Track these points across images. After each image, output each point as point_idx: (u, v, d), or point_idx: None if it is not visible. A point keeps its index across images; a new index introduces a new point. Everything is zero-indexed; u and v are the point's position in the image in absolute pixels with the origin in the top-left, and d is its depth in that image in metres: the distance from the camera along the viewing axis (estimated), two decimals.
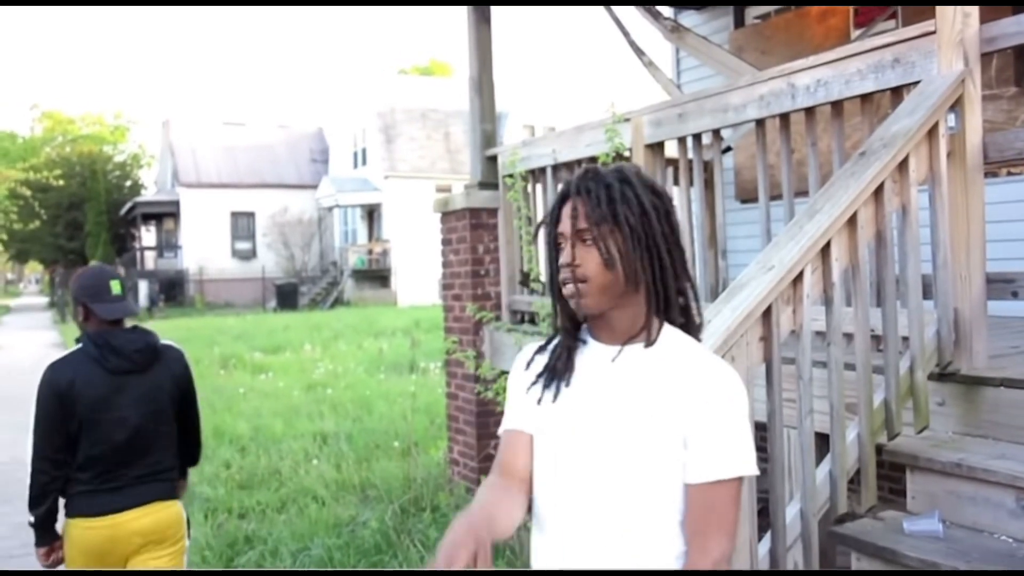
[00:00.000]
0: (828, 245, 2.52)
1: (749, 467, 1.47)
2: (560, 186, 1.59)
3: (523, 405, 1.64)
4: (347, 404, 9.28)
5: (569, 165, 4.82)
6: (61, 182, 21.47)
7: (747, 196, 6.20)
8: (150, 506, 2.90)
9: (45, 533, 2.91)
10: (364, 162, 31.97)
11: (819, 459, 2.60)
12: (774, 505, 2.45)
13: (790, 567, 2.47)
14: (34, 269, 65.00)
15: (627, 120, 4.20)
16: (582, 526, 1.51)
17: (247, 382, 11.18)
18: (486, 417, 5.30)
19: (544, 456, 1.58)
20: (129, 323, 3.00)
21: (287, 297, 28.60)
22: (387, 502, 5.18)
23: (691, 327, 1.59)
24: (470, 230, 5.43)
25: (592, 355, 1.58)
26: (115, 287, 2.95)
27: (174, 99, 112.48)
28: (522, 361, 1.70)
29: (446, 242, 5.74)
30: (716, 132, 3.87)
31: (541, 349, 1.67)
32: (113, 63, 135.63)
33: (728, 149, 5.96)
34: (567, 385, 1.58)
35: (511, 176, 4.80)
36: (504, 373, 4.53)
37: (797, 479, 2.56)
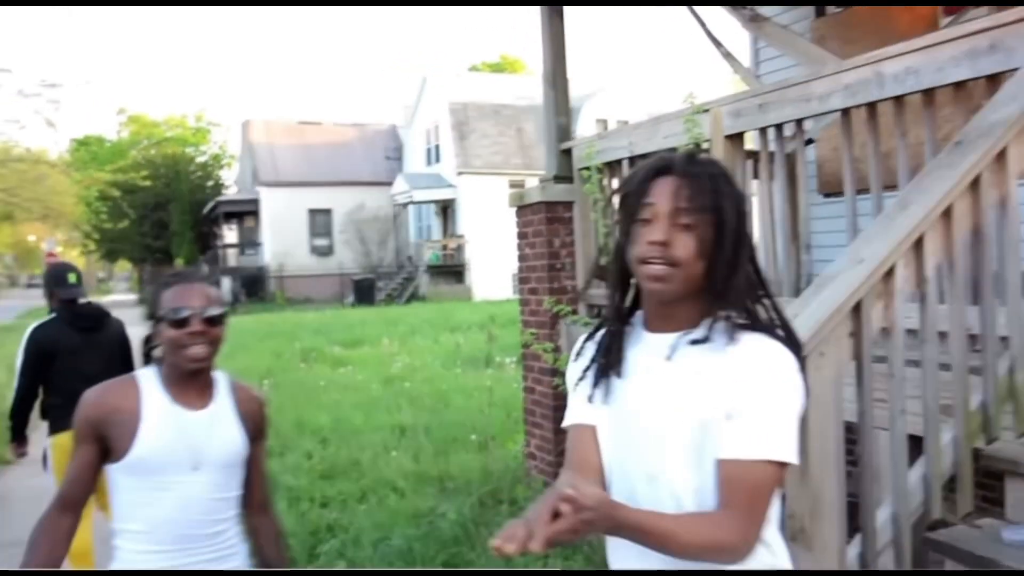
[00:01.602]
0: (921, 239, 2.43)
1: (783, 453, 1.42)
2: (650, 162, 1.55)
3: (580, 398, 1.62)
4: (424, 397, 9.39)
5: (646, 157, 4.76)
6: (147, 183, 22.20)
7: (830, 190, 6.03)
8: None
9: (19, 435, 4.63)
10: (438, 159, 32.24)
11: (911, 462, 2.52)
12: (864, 508, 2.38)
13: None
14: (123, 268, 67.54)
15: (706, 111, 4.13)
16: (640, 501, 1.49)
17: (327, 375, 11.41)
18: (563, 411, 5.27)
19: (607, 449, 1.58)
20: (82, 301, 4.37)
21: (364, 292, 29.05)
22: (465, 494, 5.22)
23: (758, 327, 1.52)
24: (546, 224, 5.42)
25: (647, 345, 1.55)
26: (71, 278, 4.39)
27: (253, 100, 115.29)
28: (574, 352, 1.69)
29: (522, 236, 5.75)
30: (799, 123, 3.77)
31: (589, 337, 1.65)
32: (194, 66, 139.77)
33: (810, 141, 5.81)
34: (620, 376, 1.56)
35: (587, 169, 4.77)
36: None
37: (888, 482, 2.48)
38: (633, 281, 1.57)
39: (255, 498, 2.24)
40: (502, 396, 8.31)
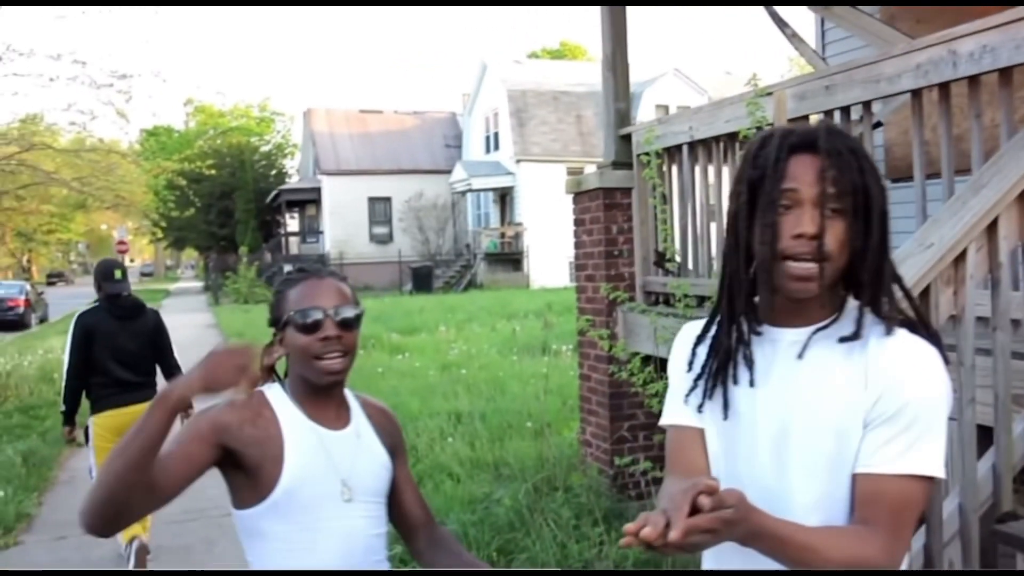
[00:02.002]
0: (995, 222, 2.34)
1: (934, 467, 1.28)
2: (780, 135, 1.35)
3: (690, 399, 1.46)
4: (481, 384, 9.42)
5: (706, 142, 4.69)
6: (213, 172, 22.69)
7: (898, 175, 5.84)
8: (146, 403, 3.95)
9: (70, 419, 4.80)
10: (496, 146, 32.27)
11: (980, 453, 2.43)
12: (930, 499, 2.30)
13: (946, 565, 2.32)
14: (190, 256, 69.25)
15: (769, 94, 4.04)
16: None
17: (385, 362, 11.53)
18: (619, 399, 5.25)
19: (715, 456, 1.43)
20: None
21: (422, 280, 29.29)
22: (520, 481, 5.22)
23: (887, 316, 1.36)
24: (603, 210, 5.37)
25: (772, 343, 1.38)
26: (117, 274, 4.92)
27: (315, 89, 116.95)
28: (684, 348, 1.52)
29: (579, 223, 5.71)
30: (867, 105, 3.66)
31: (700, 338, 1.48)
32: (258, 57, 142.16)
33: (878, 124, 5.64)
34: (751, 385, 1.39)
35: (647, 155, 4.71)
36: (637, 354, 4.47)
37: (955, 473, 2.40)
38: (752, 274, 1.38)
39: (419, 517, 1.91)
40: (558, 383, 8.30)
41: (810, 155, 1.30)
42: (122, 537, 4.78)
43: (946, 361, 1.33)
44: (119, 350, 4.75)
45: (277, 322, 1.77)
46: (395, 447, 1.88)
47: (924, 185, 3.38)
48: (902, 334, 1.33)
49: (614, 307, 5.23)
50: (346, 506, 1.72)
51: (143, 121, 54.07)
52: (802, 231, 1.27)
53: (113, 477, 1.51)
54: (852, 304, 1.36)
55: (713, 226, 4.78)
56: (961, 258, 2.30)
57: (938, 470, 1.29)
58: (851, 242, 1.30)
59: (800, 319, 1.36)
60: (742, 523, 1.12)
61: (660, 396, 4.07)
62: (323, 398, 1.76)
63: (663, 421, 1.53)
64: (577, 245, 5.71)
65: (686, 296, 4.03)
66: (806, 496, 1.33)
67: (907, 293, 1.39)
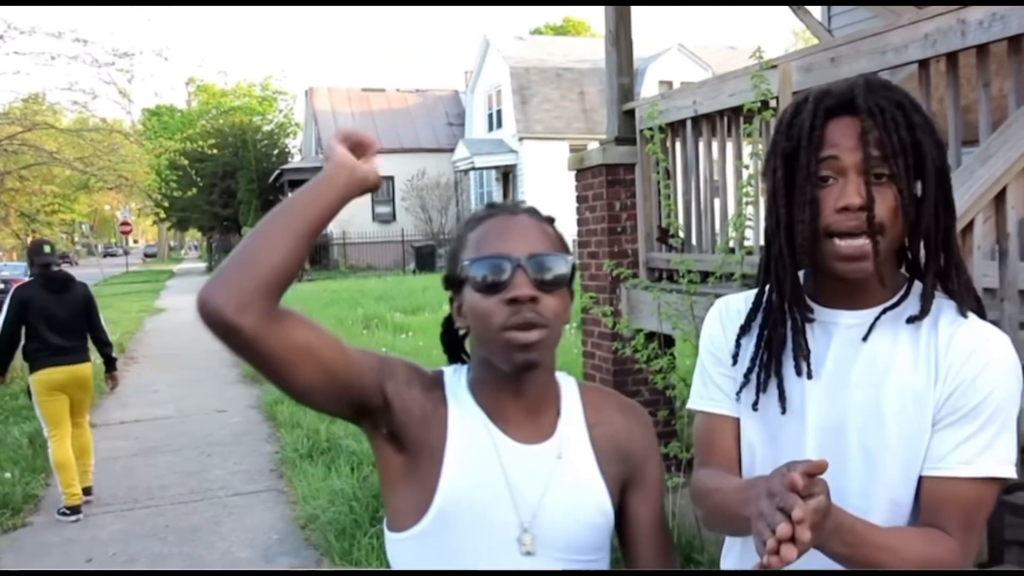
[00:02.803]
0: (1003, 192, 2.31)
1: (1008, 469, 1.19)
2: (815, 98, 1.21)
3: (730, 385, 1.36)
4: None
5: (710, 117, 4.65)
6: (216, 152, 22.62)
7: None
8: (80, 365, 5.70)
9: (3, 372, 5.60)
10: (499, 124, 32.12)
11: None
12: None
13: None
14: (193, 236, 69.26)
15: (773, 67, 3.99)
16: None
17: (389, 342, 11.53)
18: (623, 376, 5.23)
19: (755, 451, 1.33)
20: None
21: (425, 259, 29.26)
22: None
23: (958, 294, 1.25)
24: (606, 187, 5.33)
25: (825, 328, 1.26)
26: (47, 249, 5.67)
27: (316, 68, 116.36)
28: (718, 331, 1.39)
29: (582, 199, 5.67)
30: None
31: (745, 328, 1.34)
32: (260, 36, 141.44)
33: None
34: (803, 372, 1.27)
35: (650, 130, 4.66)
36: (640, 331, 4.45)
37: None
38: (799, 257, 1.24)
39: None
40: (561, 361, 8.25)
41: (849, 117, 1.17)
42: (67, 498, 5.49)
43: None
44: (52, 319, 5.53)
45: (453, 281, 1.26)
46: (631, 477, 1.28)
47: None
48: (974, 320, 1.22)
49: (617, 284, 5.21)
50: (525, 561, 1.17)
51: (145, 101, 53.97)
52: (847, 203, 1.14)
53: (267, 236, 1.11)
54: (919, 283, 1.24)
55: (717, 202, 4.75)
56: (968, 229, 2.27)
57: (1012, 470, 1.20)
58: (906, 209, 1.15)
59: (858, 300, 1.24)
60: (826, 517, 1.02)
61: (664, 372, 4.05)
62: (511, 393, 1.22)
63: (692, 405, 1.43)
64: (580, 222, 5.68)
65: (690, 272, 4.00)
66: (862, 498, 1.23)
67: (961, 264, 1.25)
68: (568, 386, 1.31)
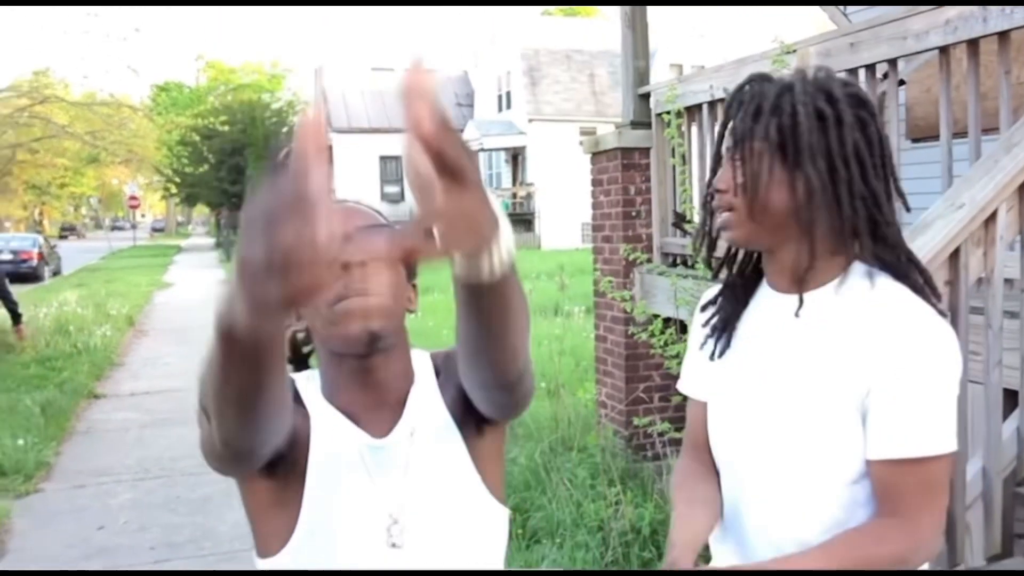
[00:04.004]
0: None
1: (946, 443, 1.22)
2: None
3: (696, 366, 1.48)
4: None
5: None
6: (226, 128, 22.60)
7: (919, 134, 5.77)
8: None
9: None
10: (508, 105, 32.01)
11: (1005, 416, 2.42)
12: (953, 470, 2.30)
13: (968, 526, 2.33)
14: (201, 212, 69.28)
15: (793, 51, 3.97)
16: (752, 496, 1.36)
17: None
18: (635, 360, 5.25)
19: (717, 421, 1.41)
20: None
21: None
22: (535, 441, 5.25)
23: (900, 266, 1.29)
24: (621, 170, 5.32)
25: (767, 304, 1.35)
26: None
27: (326, 46, 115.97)
28: (697, 312, 1.51)
29: (596, 183, 5.66)
30: (893, 62, 3.60)
31: (711, 301, 1.46)
32: (269, 12, 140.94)
33: (902, 83, 5.55)
34: (740, 341, 1.37)
35: (667, 113, 4.65)
36: (657, 316, 4.46)
37: (979, 435, 2.39)
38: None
39: None
40: (571, 344, 8.30)
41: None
42: None
43: (942, 315, 1.27)
44: None
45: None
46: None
47: (950, 143, 3.33)
48: (888, 289, 1.26)
49: (631, 268, 5.21)
50: (394, 554, 1.13)
51: (154, 76, 53.88)
52: (715, 186, 1.31)
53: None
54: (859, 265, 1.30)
55: None
56: (992, 219, 2.27)
57: (952, 443, 1.23)
58: (745, 185, 1.26)
59: (785, 278, 1.31)
60: None
61: (680, 358, 4.07)
62: (362, 385, 1.17)
63: (679, 386, 1.57)
64: (594, 206, 5.67)
65: (707, 258, 4.01)
66: (773, 484, 1.31)
67: (896, 237, 1.30)
68: (422, 363, 1.24)
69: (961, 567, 2.31)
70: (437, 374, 1.24)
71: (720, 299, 1.43)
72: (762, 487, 1.34)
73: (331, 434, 1.15)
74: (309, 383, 1.20)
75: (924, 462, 1.21)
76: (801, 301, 1.28)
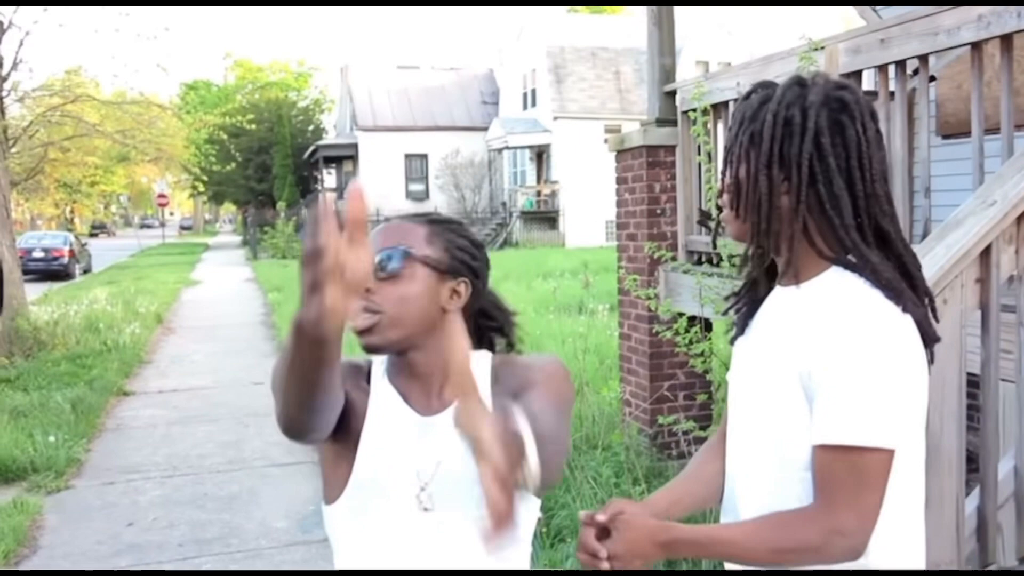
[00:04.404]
0: None
1: (871, 436, 1.21)
2: None
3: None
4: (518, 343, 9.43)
5: None
6: (253, 127, 22.78)
7: (949, 131, 5.70)
8: None
9: None
10: (534, 103, 31.99)
11: None
12: (984, 460, 2.27)
13: (1000, 526, 2.30)
14: (228, 210, 69.88)
15: (821, 48, 3.93)
16: (734, 475, 1.44)
17: None
18: (660, 359, 5.23)
19: (728, 401, 1.53)
20: None
21: None
22: None
23: (869, 267, 1.29)
24: (646, 168, 5.30)
25: (771, 297, 1.43)
26: None
27: (352, 45, 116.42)
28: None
29: (621, 181, 5.65)
30: (924, 59, 3.55)
31: (734, 292, 1.56)
32: (296, 11, 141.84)
33: (932, 79, 5.48)
34: (750, 329, 1.47)
35: (693, 111, 4.62)
36: (682, 314, 4.44)
37: (1012, 434, 2.36)
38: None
39: None
40: (595, 342, 8.28)
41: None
42: None
43: (905, 308, 1.27)
44: None
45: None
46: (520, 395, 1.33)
47: (982, 140, 3.28)
48: (834, 274, 1.31)
49: (656, 266, 5.19)
50: (424, 517, 1.32)
51: (183, 74, 54.44)
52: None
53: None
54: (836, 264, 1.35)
55: None
56: None
57: (887, 439, 1.22)
58: (726, 189, 1.37)
59: (789, 278, 1.37)
60: (646, 544, 1.27)
61: (705, 356, 4.05)
62: (407, 373, 1.39)
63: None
64: (619, 204, 5.66)
65: (732, 256, 3.98)
66: (748, 460, 1.39)
67: (846, 233, 1.31)
68: (480, 362, 1.41)
69: (993, 567, 2.28)
70: (495, 379, 1.40)
71: (743, 291, 1.51)
72: (739, 463, 1.43)
73: (385, 408, 1.38)
74: (381, 366, 1.44)
75: (850, 451, 1.22)
76: (760, 294, 1.43)
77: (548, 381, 1.37)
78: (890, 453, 1.23)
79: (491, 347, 1.50)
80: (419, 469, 1.33)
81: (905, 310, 1.27)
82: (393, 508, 1.32)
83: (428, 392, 1.38)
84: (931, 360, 1.34)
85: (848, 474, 1.22)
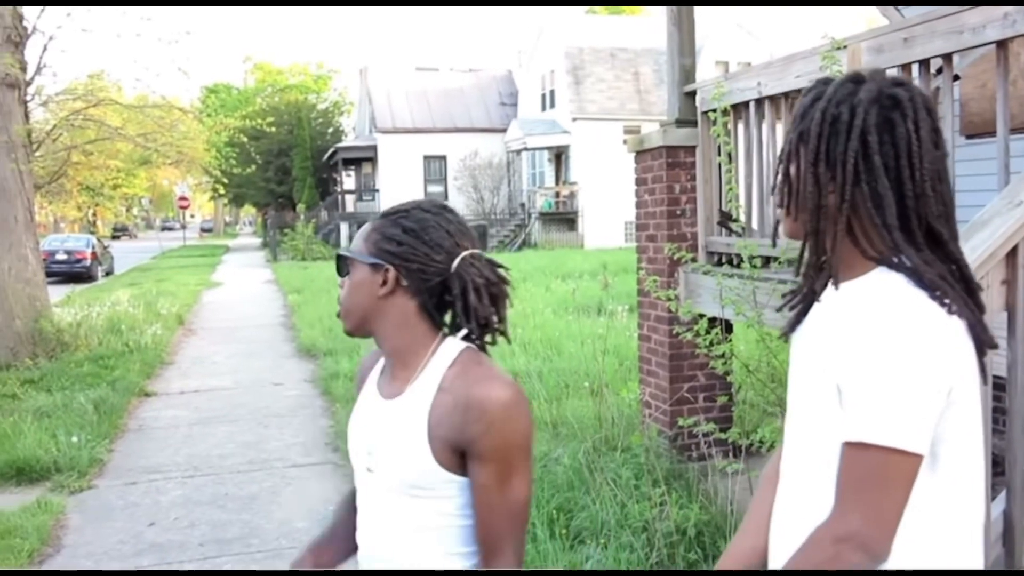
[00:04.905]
0: None
1: (893, 436, 1.17)
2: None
3: None
4: (537, 344, 9.44)
5: (774, 99, 4.56)
6: (273, 129, 22.91)
7: (973, 131, 5.64)
8: None
9: None
10: (552, 104, 31.97)
11: None
12: (1010, 463, 2.24)
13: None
14: (248, 212, 70.31)
15: (844, 47, 3.90)
16: (784, 474, 1.42)
17: None
18: (680, 360, 5.21)
19: None
20: None
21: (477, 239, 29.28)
22: (579, 440, 5.23)
23: (911, 268, 1.26)
24: (666, 169, 5.28)
25: (822, 296, 1.42)
26: None
27: (370, 47, 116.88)
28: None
29: (640, 182, 5.62)
30: (948, 57, 3.51)
31: (792, 291, 1.54)
32: (315, 14, 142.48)
33: (956, 78, 5.42)
34: (797, 327, 1.46)
35: (713, 111, 4.60)
36: (703, 316, 4.41)
37: None
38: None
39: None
40: (614, 344, 8.26)
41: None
42: None
43: (951, 310, 1.21)
44: None
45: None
46: (466, 447, 1.44)
47: (1007, 139, 3.24)
48: (873, 278, 1.29)
49: (676, 267, 5.17)
50: (369, 477, 1.55)
51: (204, 78, 54.87)
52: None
53: None
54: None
55: None
56: None
57: (907, 440, 1.17)
58: (778, 186, 1.37)
59: (835, 279, 1.35)
60: None
61: (726, 358, 4.02)
62: (388, 361, 1.59)
63: None
64: (639, 205, 5.64)
65: (752, 257, 3.95)
66: (794, 461, 1.38)
67: (891, 233, 1.27)
68: (447, 352, 1.51)
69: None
70: (454, 375, 1.48)
71: (799, 288, 1.48)
72: (786, 463, 1.41)
73: (367, 389, 1.64)
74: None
75: (870, 450, 1.18)
76: (816, 292, 1.39)
77: (489, 436, 1.42)
78: (915, 458, 1.18)
79: (481, 326, 1.54)
80: (369, 442, 1.56)
81: (952, 312, 1.22)
82: (357, 467, 1.61)
83: (397, 376, 1.55)
84: (983, 369, 1.28)
85: (865, 474, 1.19)
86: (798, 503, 1.35)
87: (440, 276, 1.49)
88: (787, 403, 1.45)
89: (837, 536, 1.20)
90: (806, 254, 1.40)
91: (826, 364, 1.28)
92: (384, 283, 1.50)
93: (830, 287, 1.36)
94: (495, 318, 1.53)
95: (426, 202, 1.59)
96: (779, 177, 1.38)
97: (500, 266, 1.55)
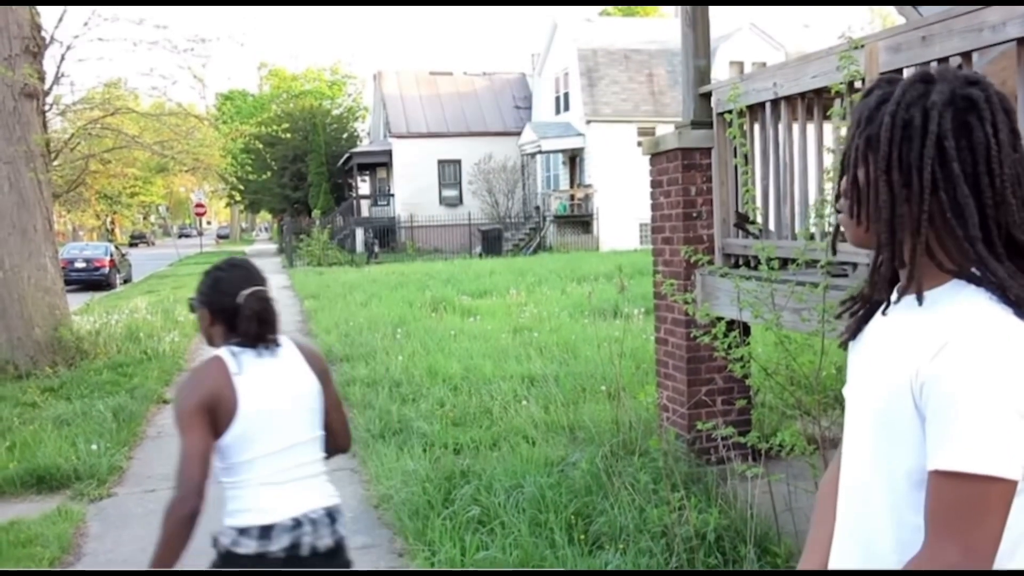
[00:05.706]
0: None
1: (986, 463, 1.11)
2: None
3: None
4: (553, 347, 9.41)
5: (791, 99, 4.53)
6: (288, 135, 23.01)
7: None
8: None
9: None
10: (566, 107, 31.96)
11: None
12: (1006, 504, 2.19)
13: None
14: (263, 218, 70.70)
15: (861, 46, 3.86)
16: (844, 489, 1.37)
17: (457, 324, 11.61)
18: (697, 363, 5.17)
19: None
20: None
21: (492, 243, 29.33)
22: (596, 444, 5.21)
23: (996, 282, 1.19)
24: (682, 171, 5.25)
25: (887, 306, 1.35)
26: None
27: (385, 52, 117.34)
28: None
29: (656, 184, 5.60)
30: (967, 56, 3.47)
31: (850, 297, 1.47)
32: (329, 19, 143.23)
33: None
34: (858, 335, 1.41)
35: (729, 112, 4.57)
36: (721, 319, 4.39)
37: None
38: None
39: None
40: (631, 347, 8.23)
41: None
42: None
43: None
44: None
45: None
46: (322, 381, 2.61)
47: None
48: (969, 292, 1.20)
49: (692, 270, 5.14)
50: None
51: (219, 85, 55.21)
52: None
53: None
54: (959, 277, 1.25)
55: (796, 187, 4.64)
56: None
57: (997, 466, 1.11)
58: (846, 192, 1.31)
59: (908, 288, 1.28)
60: None
61: (744, 361, 3.99)
62: None
63: None
64: (654, 207, 5.61)
65: (770, 259, 3.92)
66: (852, 473, 1.34)
67: (975, 247, 1.20)
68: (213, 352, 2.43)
69: None
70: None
71: (859, 296, 1.42)
72: (848, 478, 1.36)
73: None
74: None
75: (963, 479, 1.12)
76: (888, 302, 1.32)
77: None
78: (1011, 484, 1.12)
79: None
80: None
81: None
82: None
83: None
84: None
85: (959, 505, 1.12)
86: (862, 525, 1.30)
87: (232, 308, 2.37)
88: (847, 417, 1.38)
89: (937, 570, 1.15)
90: (882, 265, 1.31)
91: (902, 380, 1.20)
92: (203, 318, 2.47)
93: (895, 298, 1.32)
94: (266, 332, 2.42)
95: (224, 262, 2.48)
96: (844, 184, 1.31)
97: (269, 299, 2.45)
